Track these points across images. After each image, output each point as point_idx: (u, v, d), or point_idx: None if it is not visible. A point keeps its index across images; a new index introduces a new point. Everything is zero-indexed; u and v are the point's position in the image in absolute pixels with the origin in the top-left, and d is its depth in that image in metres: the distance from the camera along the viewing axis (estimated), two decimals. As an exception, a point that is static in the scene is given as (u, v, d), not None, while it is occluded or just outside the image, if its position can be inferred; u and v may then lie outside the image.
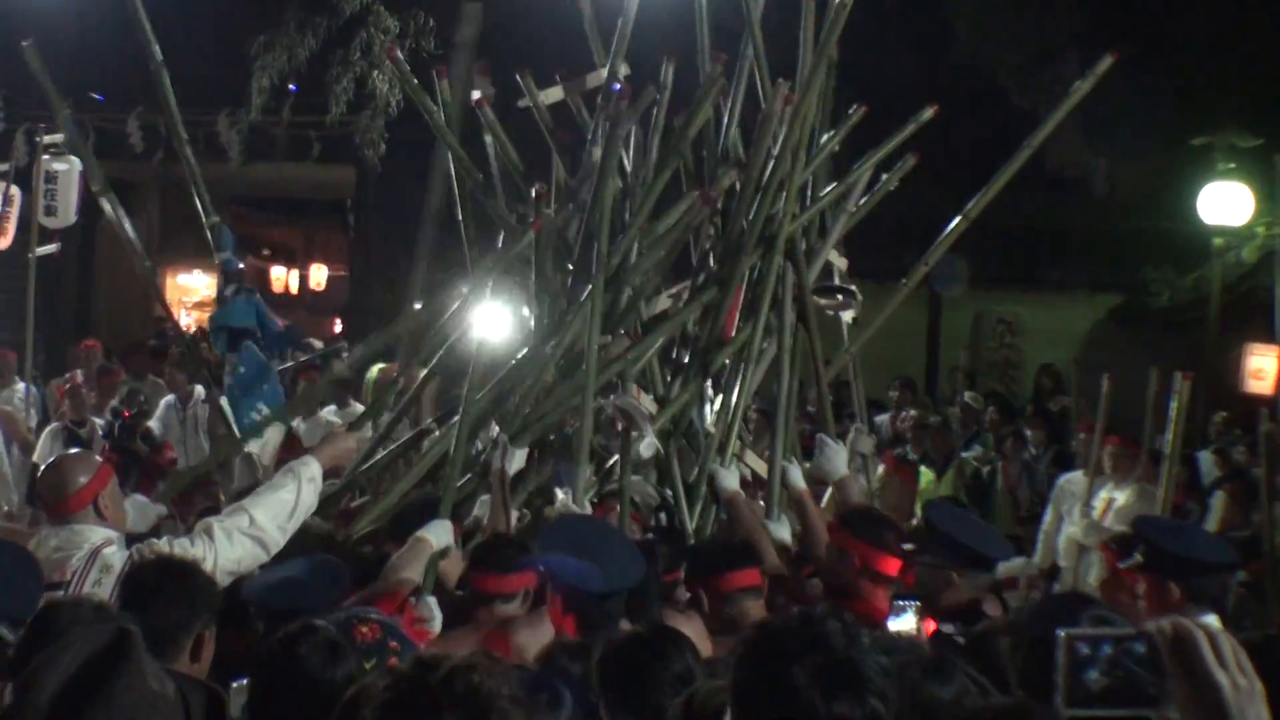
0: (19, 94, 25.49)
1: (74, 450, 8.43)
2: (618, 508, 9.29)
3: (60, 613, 5.46)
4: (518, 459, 9.47)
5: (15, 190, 19.70)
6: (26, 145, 25.64)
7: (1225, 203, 24.11)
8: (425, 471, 10.05)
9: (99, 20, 23.32)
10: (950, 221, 11.25)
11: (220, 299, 10.81)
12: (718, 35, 11.22)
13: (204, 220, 10.97)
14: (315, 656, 4.94)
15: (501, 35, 24.71)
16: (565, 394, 10.07)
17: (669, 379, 10.75)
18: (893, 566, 8.25)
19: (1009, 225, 23.17)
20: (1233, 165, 24.34)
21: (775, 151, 10.60)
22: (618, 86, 11.06)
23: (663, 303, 10.88)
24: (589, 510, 9.34)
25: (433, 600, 7.95)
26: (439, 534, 8.45)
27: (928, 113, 11.20)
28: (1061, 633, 3.42)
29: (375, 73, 25.92)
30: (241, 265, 11.03)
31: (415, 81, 11.20)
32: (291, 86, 27.03)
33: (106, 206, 10.99)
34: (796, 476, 9.86)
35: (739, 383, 10.34)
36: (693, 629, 7.80)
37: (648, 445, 9.55)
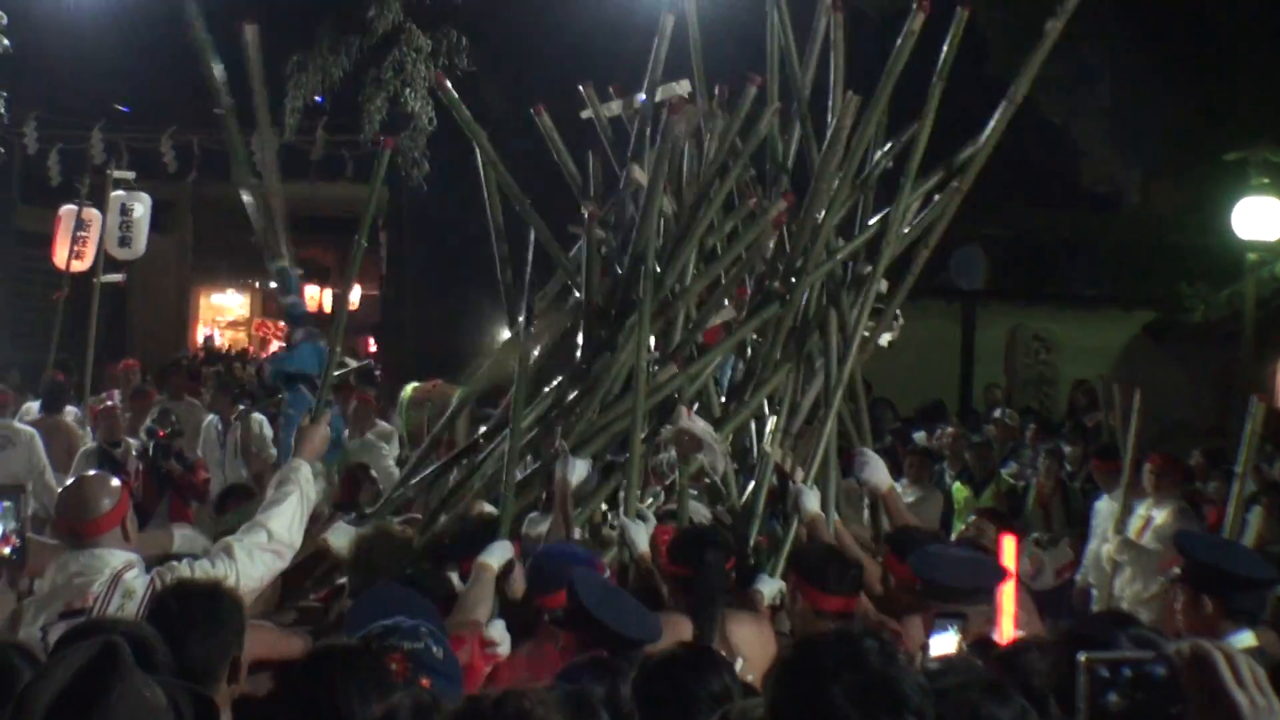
0: (53, 114, 25.63)
1: (92, 472, 8.38)
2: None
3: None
4: (579, 469, 9.48)
5: (95, 213, 19.86)
6: (60, 166, 25.83)
7: (1259, 218, 24.05)
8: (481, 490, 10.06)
9: (133, 40, 23.47)
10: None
11: (288, 344, 10.84)
12: (754, 54, 11.22)
13: (273, 265, 10.99)
14: (346, 689, 4.99)
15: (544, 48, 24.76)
16: (622, 411, 10.08)
17: (724, 399, 10.79)
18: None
19: (1043, 241, 23.17)
20: (1266, 180, 24.27)
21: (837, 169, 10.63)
22: (643, 98, 11.10)
23: (725, 314, 10.84)
24: (646, 526, 9.32)
25: (501, 623, 7.97)
26: (499, 556, 8.54)
27: (983, 138, 11.12)
28: (1081, 657, 3.43)
29: (408, 91, 25.98)
30: (308, 309, 11.05)
31: (466, 112, 11.07)
32: (318, 98, 27.09)
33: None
34: (811, 501, 9.83)
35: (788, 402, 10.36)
36: (757, 630, 7.97)
37: (718, 459, 9.72)
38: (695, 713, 5.44)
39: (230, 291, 47.57)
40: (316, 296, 52.88)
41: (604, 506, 9.93)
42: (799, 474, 9.85)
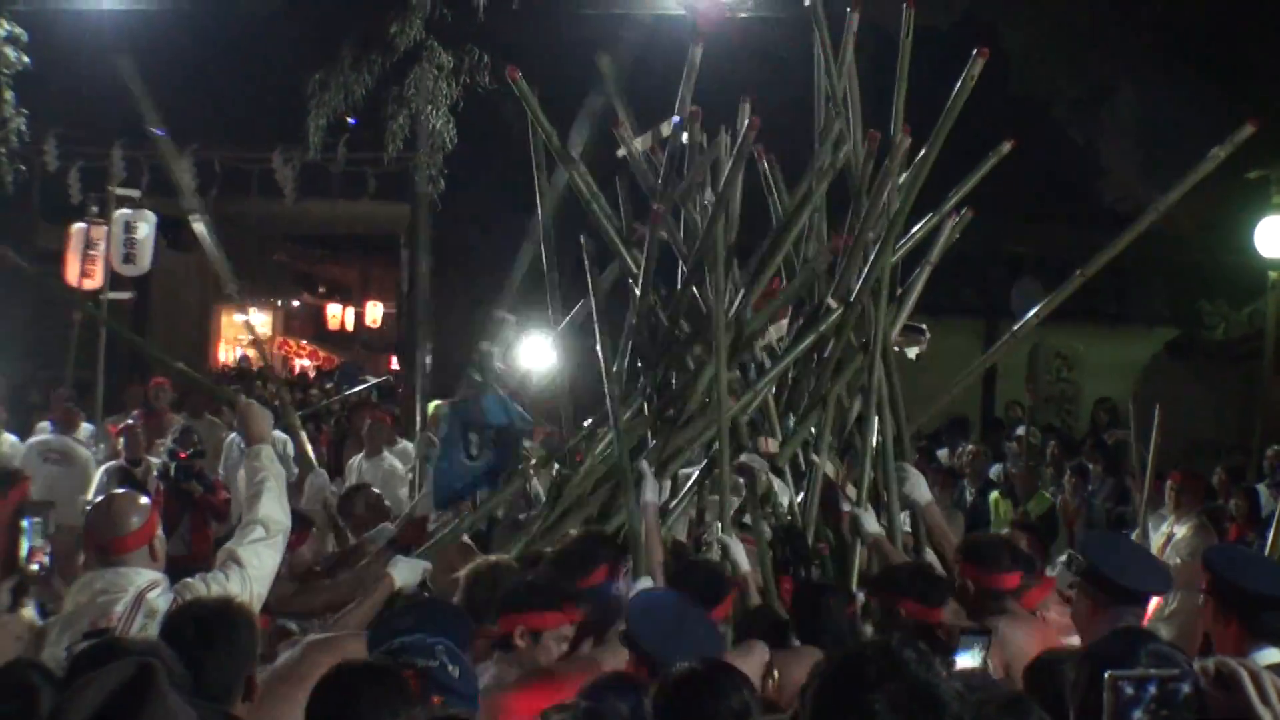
0: (72, 131, 25.72)
1: (121, 490, 8.42)
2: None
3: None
4: (660, 489, 9.73)
5: (103, 231, 19.98)
6: (80, 183, 25.88)
7: (1280, 236, 24.05)
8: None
9: (152, 58, 23.52)
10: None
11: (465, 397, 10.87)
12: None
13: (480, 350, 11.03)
14: (368, 706, 5.03)
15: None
16: (700, 430, 10.29)
17: (786, 415, 10.95)
18: (1010, 581, 8.44)
19: (1065, 259, 23.14)
20: (1289, 199, 24.29)
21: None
22: (678, 120, 11.16)
23: (772, 334, 10.93)
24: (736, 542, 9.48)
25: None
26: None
27: (1005, 147, 11.17)
28: (1107, 674, 3.43)
29: (430, 108, 25.99)
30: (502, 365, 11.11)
31: (536, 105, 11.21)
32: (351, 119, 27.13)
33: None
34: (870, 523, 9.90)
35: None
36: None
37: (781, 489, 10.05)
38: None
39: (252, 310, 47.63)
40: (339, 314, 52.96)
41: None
42: (850, 490, 10.17)
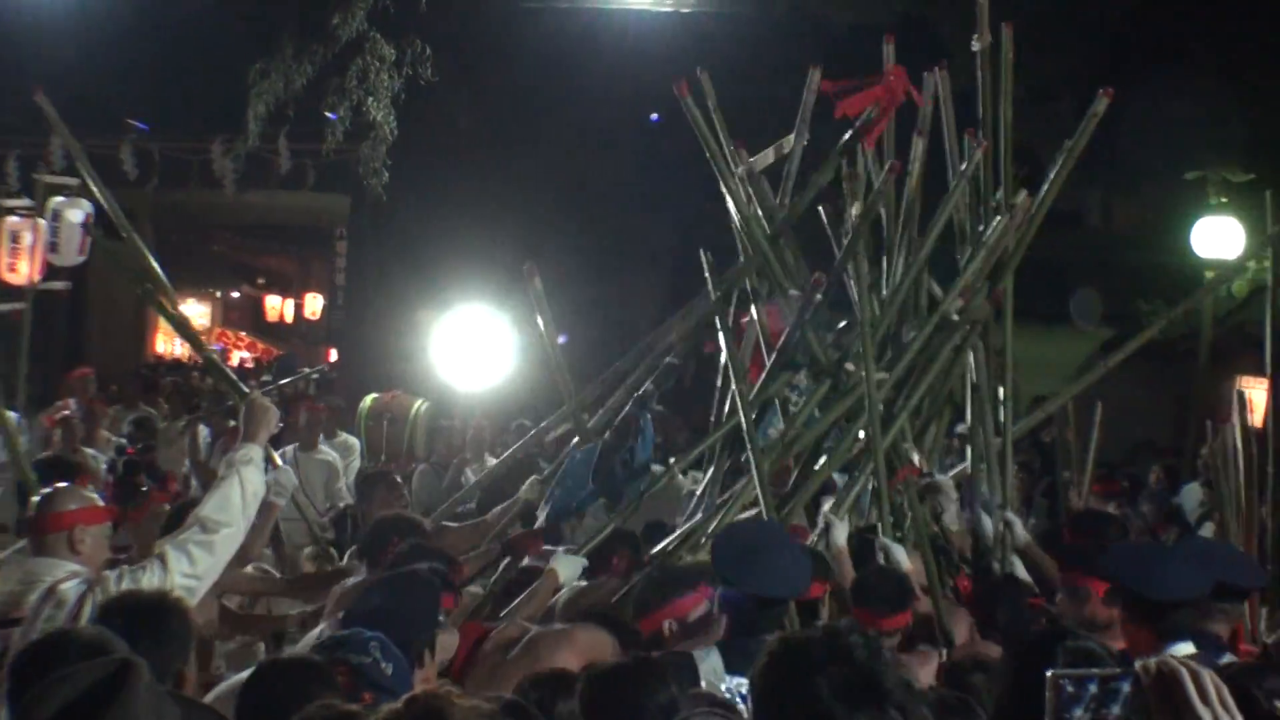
0: (8, 119, 25.55)
1: (64, 485, 8.37)
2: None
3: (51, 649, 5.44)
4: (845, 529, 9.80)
5: (42, 223, 19.77)
6: (18, 173, 25.70)
7: (1217, 236, 24.19)
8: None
9: (93, 46, 23.41)
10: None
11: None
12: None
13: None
14: (296, 702, 5.01)
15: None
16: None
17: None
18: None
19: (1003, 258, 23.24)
20: (1225, 199, 24.42)
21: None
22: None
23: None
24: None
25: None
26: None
27: (978, 153, 11.25)
28: (1049, 673, 3.46)
29: (371, 100, 25.91)
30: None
31: (707, 131, 10.99)
32: (332, 114, 26.99)
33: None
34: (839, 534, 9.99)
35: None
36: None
37: (951, 517, 10.36)
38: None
39: (191, 301, 47.40)
40: (278, 306, 52.76)
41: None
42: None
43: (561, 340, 10.92)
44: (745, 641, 6.83)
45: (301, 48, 26.09)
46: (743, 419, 10.03)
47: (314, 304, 47.80)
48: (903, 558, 9.48)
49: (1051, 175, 11.30)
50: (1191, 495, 18.12)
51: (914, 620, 8.69)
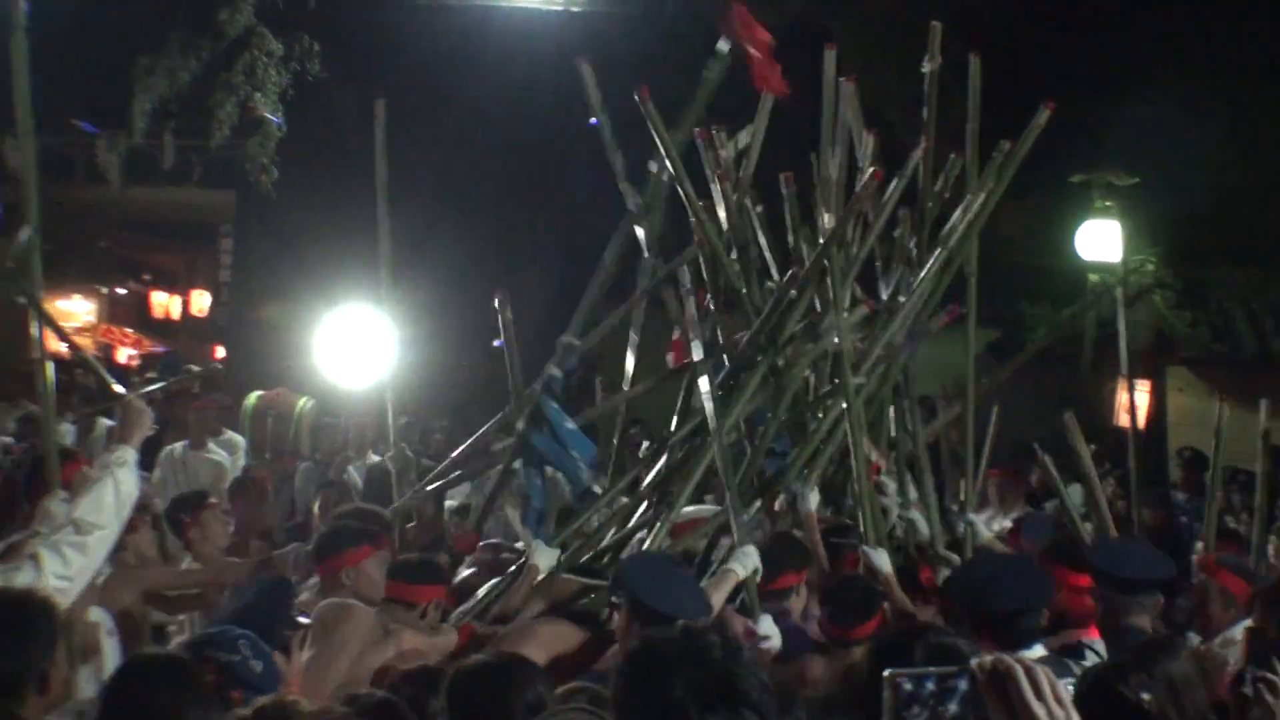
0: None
1: None
2: None
3: None
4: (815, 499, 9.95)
5: None
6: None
7: (1101, 240, 24.45)
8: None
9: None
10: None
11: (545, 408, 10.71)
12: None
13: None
14: (171, 696, 4.98)
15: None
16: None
17: None
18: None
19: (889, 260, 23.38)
20: (1109, 203, 24.68)
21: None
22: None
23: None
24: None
25: (768, 618, 8.47)
26: (748, 563, 8.82)
27: (916, 153, 11.37)
28: (887, 672, 3.48)
29: (258, 96, 25.77)
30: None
31: (664, 133, 10.63)
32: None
33: None
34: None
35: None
36: None
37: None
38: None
39: (77, 297, 46.89)
40: (165, 303, 52.33)
41: None
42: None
43: (497, 344, 10.94)
44: None
45: (188, 42, 25.92)
46: (711, 419, 9.95)
47: (200, 301, 47.42)
48: (884, 563, 9.46)
49: (992, 184, 11.41)
50: (1075, 495, 18.31)
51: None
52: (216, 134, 26.53)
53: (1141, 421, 24.13)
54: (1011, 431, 13.56)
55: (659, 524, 9.61)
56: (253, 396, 17.62)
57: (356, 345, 15.75)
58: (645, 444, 14.04)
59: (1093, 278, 24.97)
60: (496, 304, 10.92)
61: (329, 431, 16.92)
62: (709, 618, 7.66)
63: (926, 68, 11.39)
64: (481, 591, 9.36)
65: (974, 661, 3.45)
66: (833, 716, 6.04)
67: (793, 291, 10.31)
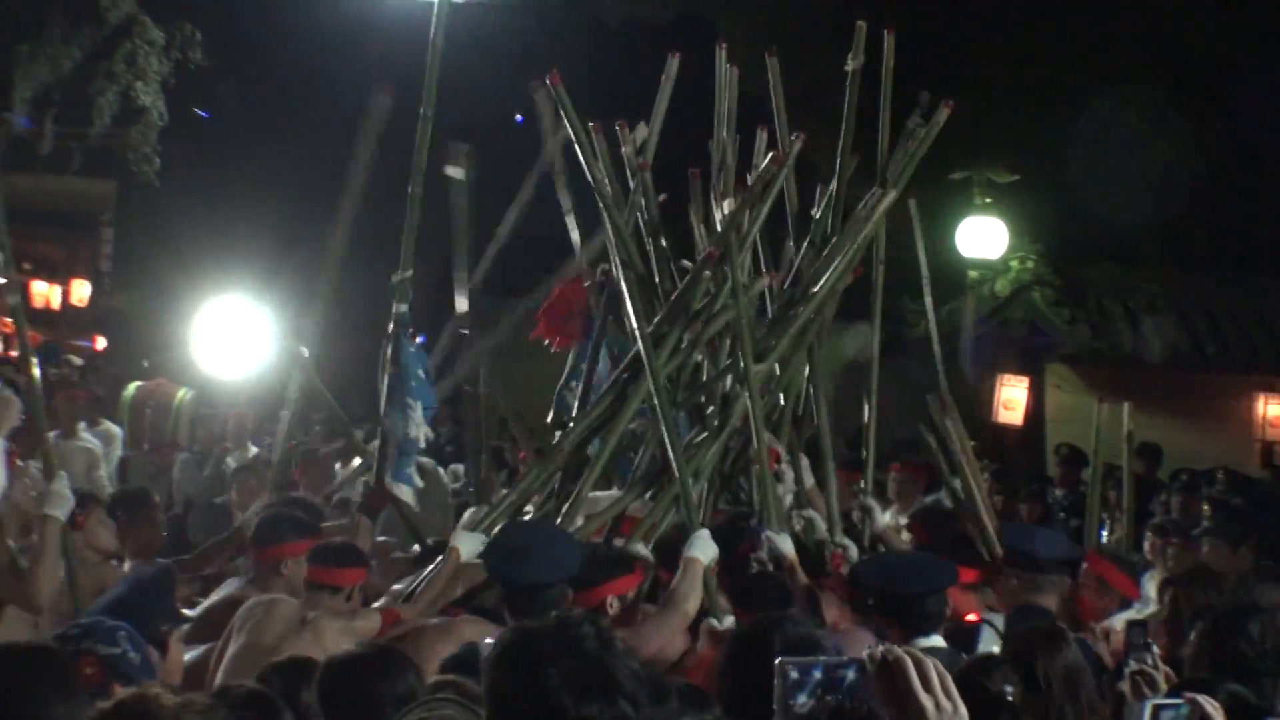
0: None
1: None
2: None
3: None
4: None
5: None
6: None
7: (981, 236, 24.65)
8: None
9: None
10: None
11: (401, 352, 10.65)
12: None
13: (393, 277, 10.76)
14: (36, 689, 4.92)
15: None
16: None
17: None
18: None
19: (769, 257, 23.47)
20: (989, 200, 24.89)
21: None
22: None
23: None
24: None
25: (731, 619, 8.52)
26: (706, 549, 8.90)
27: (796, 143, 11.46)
28: (778, 660, 3.51)
29: (140, 85, 25.52)
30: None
31: (576, 119, 10.83)
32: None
33: None
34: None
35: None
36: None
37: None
38: (380, 713, 5.46)
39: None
40: (45, 293, 51.86)
41: None
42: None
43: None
44: None
45: (69, 30, 25.64)
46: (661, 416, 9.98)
47: (81, 291, 46.96)
48: (787, 547, 9.57)
49: (892, 179, 11.55)
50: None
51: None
52: (97, 123, 26.26)
53: (1020, 418, 24.40)
54: (888, 428, 13.64)
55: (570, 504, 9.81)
56: (131, 387, 17.50)
57: (234, 336, 15.64)
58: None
59: (972, 274, 25.17)
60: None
61: (207, 423, 16.82)
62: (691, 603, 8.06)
63: (850, 65, 11.50)
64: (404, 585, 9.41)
65: (866, 652, 3.49)
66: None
67: (707, 272, 10.43)
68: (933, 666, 3.41)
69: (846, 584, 9.08)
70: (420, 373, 10.64)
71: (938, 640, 7.62)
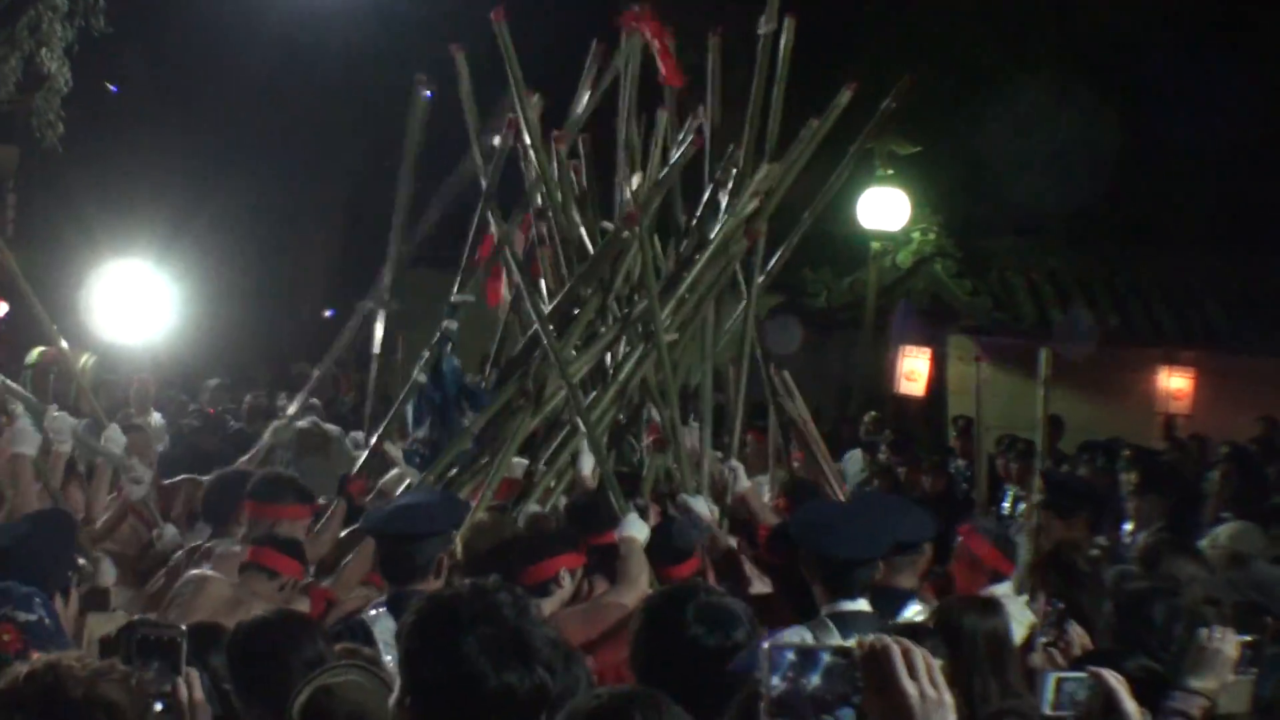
0: None
1: None
2: None
3: None
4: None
5: None
6: None
7: (883, 208, 24.79)
8: None
9: None
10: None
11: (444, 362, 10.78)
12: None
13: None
14: None
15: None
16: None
17: None
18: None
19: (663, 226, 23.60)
20: (891, 171, 25.00)
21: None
22: None
23: None
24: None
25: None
26: (639, 527, 9.01)
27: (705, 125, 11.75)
28: (765, 644, 3.56)
29: (44, 51, 25.29)
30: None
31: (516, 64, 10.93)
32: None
33: None
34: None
35: None
36: None
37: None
38: (288, 678, 5.49)
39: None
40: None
41: None
42: None
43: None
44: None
45: (-30, -5, 25.38)
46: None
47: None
48: (703, 508, 9.91)
49: (795, 156, 11.74)
50: (854, 461, 18.61)
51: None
52: (0, 89, 26.01)
53: (922, 389, 24.57)
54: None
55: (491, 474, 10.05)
56: (35, 352, 17.37)
57: (135, 302, 15.59)
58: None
59: (875, 245, 25.31)
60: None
61: (110, 389, 16.73)
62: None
63: (763, 29, 11.65)
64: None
65: (855, 639, 3.53)
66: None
67: (625, 233, 10.76)
68: (921, 655, 3.42)
69: (768, 543, 9.22)
70: (465, 382, 10.96)
71: (916, 607, 7.68)
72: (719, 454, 11.31)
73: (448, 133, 11.93)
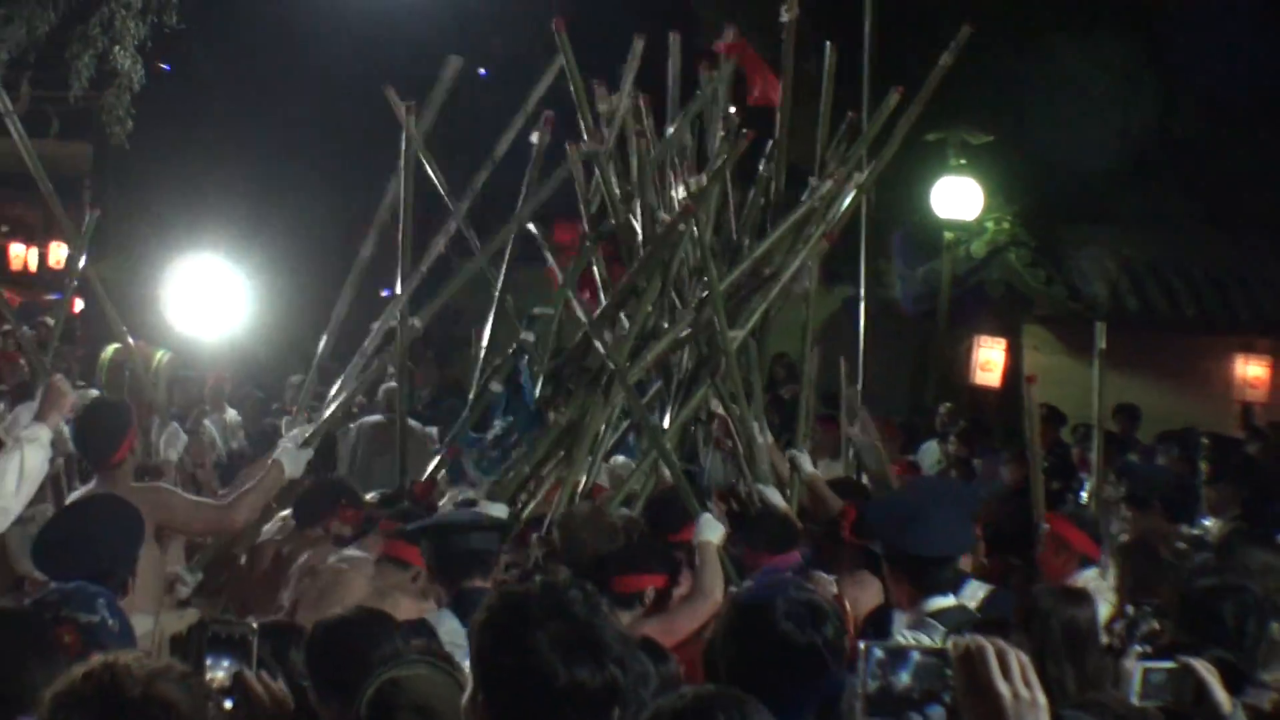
0: None
1: None
2: None
3: None
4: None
5: None
6: None
7: (956, 197, 24.66)
8: None
9: None
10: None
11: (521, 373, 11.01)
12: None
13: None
14: (14, 653, 4.93)
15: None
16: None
17: None
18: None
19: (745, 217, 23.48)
20: (964, 161, 24.87)
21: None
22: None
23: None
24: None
25: None
26: (715, 530, 9.06)
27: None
28: (862, 643, 3.54)
29: (117, 48, 25.40)
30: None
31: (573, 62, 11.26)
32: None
33: None
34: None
35: None
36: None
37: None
38: (366, 675, 5.48)
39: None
40: (22, 255, 51.80)
41: None
42: None
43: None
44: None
45: (46, -8, 25.49)
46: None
47: (58, 253, 46.89)
48: (778, 498, 10.01)
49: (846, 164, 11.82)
50: (930, 453, 18.52)
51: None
52: (75, 86, 26.14)
53: (998, 380, 24.44)
54: (865, 388, 13.69)
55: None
56: (110, 349, 17.45)
57: (209, 298, 15.64)
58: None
59: (948, 235, 25.17)
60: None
61: (185, 385, 16.82)
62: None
63: (785, 16, 11.61)
64: None
65: (951, 640, 3.50)
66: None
67: (681, 226, 10.82)
68: (1015, 656, 3.41)
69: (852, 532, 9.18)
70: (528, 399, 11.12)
71: (952, 599, 7.61)
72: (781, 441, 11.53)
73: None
